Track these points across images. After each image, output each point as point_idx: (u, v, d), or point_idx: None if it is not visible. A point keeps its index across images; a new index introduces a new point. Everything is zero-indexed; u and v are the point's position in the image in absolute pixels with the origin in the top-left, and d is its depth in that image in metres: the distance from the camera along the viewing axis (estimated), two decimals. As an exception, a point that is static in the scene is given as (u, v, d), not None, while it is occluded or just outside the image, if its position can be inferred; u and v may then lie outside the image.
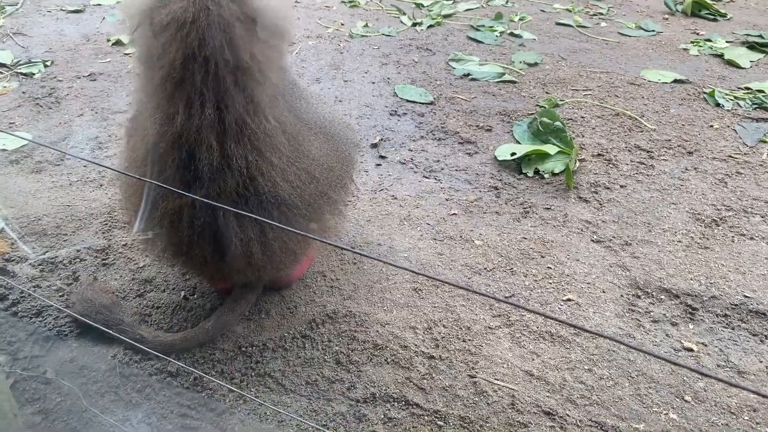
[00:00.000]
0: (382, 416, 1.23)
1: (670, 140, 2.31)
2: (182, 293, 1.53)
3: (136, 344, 1.29)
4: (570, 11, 3.87)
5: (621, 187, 2.03)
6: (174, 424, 1.21)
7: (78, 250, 1.66)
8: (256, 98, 1.18)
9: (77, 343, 1.39)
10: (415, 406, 1.25)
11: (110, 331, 1.32)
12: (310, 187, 1.30)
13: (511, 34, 3.41)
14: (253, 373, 1.32)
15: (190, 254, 1.27)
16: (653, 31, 3.51)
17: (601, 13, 3.84)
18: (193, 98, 1.15)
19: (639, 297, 1.57)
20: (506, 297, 1.55)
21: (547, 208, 1.91)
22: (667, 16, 3.86)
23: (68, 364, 1.34)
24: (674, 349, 1.41)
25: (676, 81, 2.82)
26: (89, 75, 2.81)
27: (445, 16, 3.68)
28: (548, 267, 1.66)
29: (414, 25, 3.53)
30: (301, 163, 1.28)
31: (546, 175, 2.08)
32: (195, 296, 1.53)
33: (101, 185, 1.98)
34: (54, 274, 1.59)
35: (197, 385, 1.29)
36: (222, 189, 1.20)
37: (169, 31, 1.15)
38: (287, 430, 1.21)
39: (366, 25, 3.51)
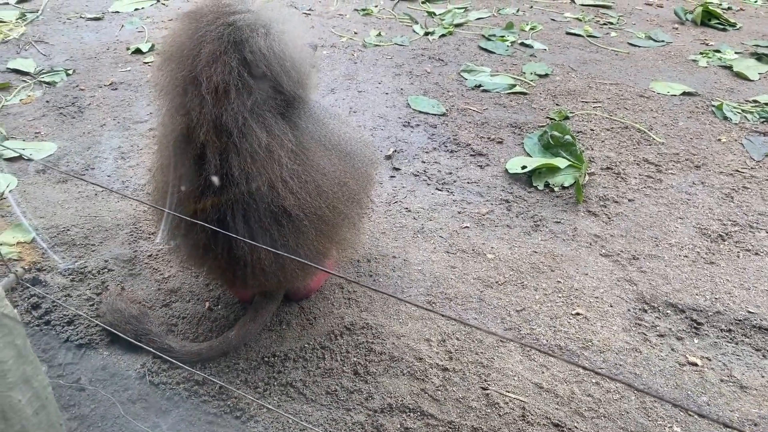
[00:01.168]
0: (399, 426, 1.29)
1: (678, 154, 2.36)
2: (207, 304, 1.60)
3: (164, 354, 1.36)
4: (580, 20, 3.91)
5: (629, 200, 2.08)
6: (201, 431, 1.28)
7: (106, 261, 1.73)
8: (240, 117, 1.21)
9: (108, 351, 1.47)
10: (430, 417, 1.31)
11: (139, 342, 1.39)
12: (318, 200, 1.35)
13: (522, 44, 3.45)
14: (275, 383, 1.39)
15: (207, 262, 1.34)
16: (663, 41, 3.55)
17: (611, 23, 3.88)
18: (190, 114, 1.21)
19: (646, 311, 1.62)
20: (517, 310, 1.61)
21: (557, 222, 1.97)
22: (677, 25, 3.89)
23: (100, 371, 1.41)
24: (679, 364, 1.47)
25: (684, 93, 2.86)
26: (110, 84, 2.88)
27: (457, 26, 3.73)
28: (558, 281, 1.72)
29: (426, 34, 3.59)
30: (306, 176, 1.32)
31: (556, 189, 2.13)
32: (219, 307, 1.60)
33: (126, 195, 2.05)
34: (83, 283, 1.66)
35: (222, 394, 1.36)
36: (228, 197, 1.25)
37: (176, 49, 1.24)
38: (309, 438, 1.28)
39: (379, 34, 3.57)
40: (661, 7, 4.28)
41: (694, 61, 3.28)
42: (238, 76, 1.17)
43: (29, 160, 2.22)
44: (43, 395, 0.94)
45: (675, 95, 2.85)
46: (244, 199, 1.24)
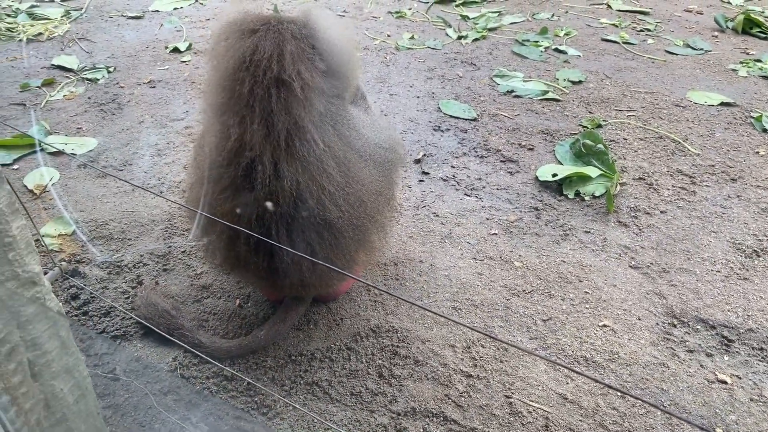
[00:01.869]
0: (422, 430, 1.31)
1: (713, 166, 2.32)
2: (237, 301, 1.64)
3: (195, 349, 1.40)
4: (617, 26, 3.86)
5: (661, 212, 2.05)
6: (230, 425, 1.32)
7: (141, 255, 1.79)
8: (299, 120, 1.24)
9: (141, 343, 1.51)
10: (452, 423, 1.32)
11: (171, 336, 1.43)
12: (359, 212, 1.38)
13: (556, 49, 3.43)
14: (301, 381, 1.42)
15: (246, 268, 1.37)
16: (701, 49, 3.48)
17: (649, 30, 3.82)
18: (243, 111, 1.23)
19: (675, 326, 1.60)
20: (543, 320, 1.60)
21: (587, 232, 1.96)
22: (716, 33, 3.81)
23: (134, 363, 1.46)
24: (708, 381, 1.45)
25: (722, 104, 2.80)
26: (149, 82, 2.96)
27: (491, 30, 3.72)
28: (585, 291, 1.71)
29: (459, 38, 3.59)
30: (350, 188, 1.35)
31: (586, 198, 2.12)
32: (249, 304, 1.64)
33: (162, 191, 2.11)
34: (120, 276, 1.71)
35: (250, 390, 1.39)
36: (274, 208, 1.28)
37: (232, 38, 1.26)
38: (333, 438, 1.30)
39: (412, 38, 3.59)
40: (701, 14, 4.20)
41: (733, 70, 3.21)
42: (317, 75, 1.21)
43: (72, 155, 2.30)
44: (83, 385, 0.98)
45: (712, 105, 2.80)
46: (290, 212, 1.27)
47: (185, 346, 1.41)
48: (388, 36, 3.63)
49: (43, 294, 0.86)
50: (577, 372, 0.65)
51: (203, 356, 1.43)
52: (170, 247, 1.83)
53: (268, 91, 1.21)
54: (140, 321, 1.53)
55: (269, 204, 1.25)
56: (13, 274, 0.80)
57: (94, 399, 1.03)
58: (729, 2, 4.47)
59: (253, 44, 1.23)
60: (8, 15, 3.68)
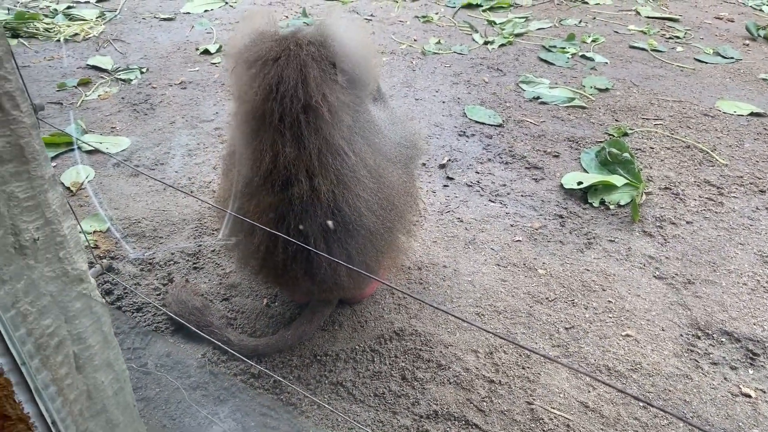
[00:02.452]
0: (444, 433, 1.33)
1: (741, 177, 2.30)
2: (264, 300, 1.68)
3: (223, 346, 1.45)
4: (645, 33, 3.83)
5: (687, 223, 2.04)
6: (256, 422, 1.35)
7: (172, 253, 1.84)
8: (330, 138, 1.27)
9: (172, 339, 1.56)
10: (474, 427, 1.34)
11: (201, 332, 1.48)
12: (391, 214, 1.41)
13: (583, 56, 3.42)
14: (326, 381, 1.45)
15: (281, 275, 1.41)
16: (732, 58, 3.44)
17: (678, 37, 3.78)
18: (274, 135, 1.27)
19: (699, 338, 1.60)
20: (566, 328, 1.61)
21: (611, 241, 1.96)
22: (747, 41, 3.76)
23: (165, 357, 1.51)
24: (731, 394, 1.44)
25: (752, 114, 2.77)
26: (180, 83, 3.03)
27: (517, 35, 3.73)
28: (609, 301, 1.71)
29: (486, 43, 3.60)
30: (382, 192, 1.39)
31: (611, 207, 2.12)
32: (276, 304, 1.67)
33: (192, 191, 2.16)
34: (151, 273, 1.77)
35: (276, 388, 1.43)
36: (313, 220, 1.31)
37: (255, 67, 1.29)
38: (356, 437, 1.33)
39: (438, 42, 3.61)
40: (732, 21, 4.14)
41: (764, 80, 3.17)
42: (341, 93, 1.24)
43: (109, 155, 2.37)
44: (121, 378, 1.02)
45: (742, 115, 2.77)
46: (327, 216, 1.30)
47: (215, 341, 1.45)
48: (415, 40, 3.66)
49: (89, 290, 0.90)
50: (600, 381, 0.67)
51: (232, 352, 1.47)
52: (200, 246, 1.88)
53: (297, 118, 1.24)
54: (171, 317, 1.58)
55: (330, 223, 1.29)
56: (63, 271, 0.84)
57: (130, 391, 1.08)
58: (761, 10, 4.40)
59: (277, 74, 1.25)
60: (46, 15, 3.79)
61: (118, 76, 3.05)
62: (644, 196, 2.17)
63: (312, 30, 1.29)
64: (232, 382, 1.45)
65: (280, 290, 1.69)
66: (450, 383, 1.44)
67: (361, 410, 1.38)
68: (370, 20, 4.01)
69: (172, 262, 1.81)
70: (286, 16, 4.04)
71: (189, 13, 4.09)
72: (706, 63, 3.39)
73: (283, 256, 1.35)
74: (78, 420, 0.92)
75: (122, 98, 2.84)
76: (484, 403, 1.40)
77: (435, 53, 3.45)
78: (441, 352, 1.52)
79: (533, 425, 1.35)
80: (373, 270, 1.48)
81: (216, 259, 1.83)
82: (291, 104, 1.24)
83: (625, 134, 2.58)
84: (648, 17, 4.15)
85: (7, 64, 0.69)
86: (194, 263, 1.81)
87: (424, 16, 4.06)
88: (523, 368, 1.49)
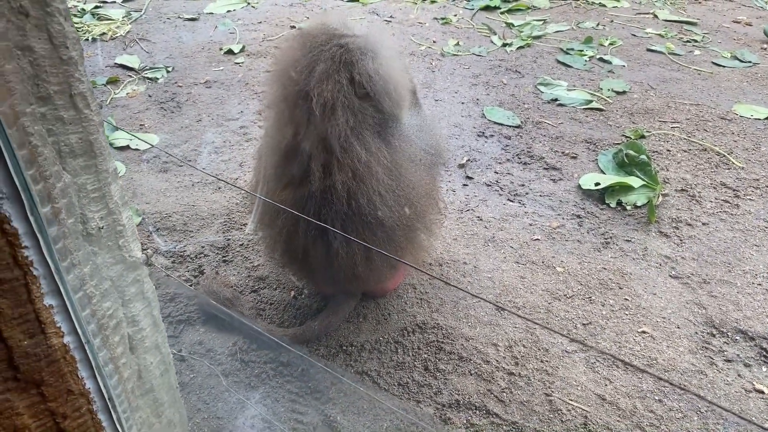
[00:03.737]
0: (465, 421, 1.39)
1: (758, 180, 2.33)
2: (292, 293, 1.74)
3: (253, 335, 1.51)
4: (662, 36, 3.85)
5: (703, 224, 2.08)
6: (285, 408, 1.42)
7: (202, 247, 1.91)
8: (342, 133, 1.32)
9: (204, 328, 1.63)
10: (494, 416, 1.40)
11: (231, 322, 1.55)
12: (409, 211, 1.47)
13: (601, 59, 3.45)
14: (351, 370, 1.51)
15: (303, 262, 1.48)
16: (749, 62, 3.45)
17: (695, 40, 3.80)
18: (299, 127, 1.34)
19: (714, 336, 1.64)
20: (584, 324, 1.66)
21: (628, 240, 2.00)
22: (765, 45, 3.77)
23: (197, 346, 1.58)
24: (745, 390, 1.49)
25: (770, 117, 2.79)
26: (205, 82, 3.11)
27: (535, 38, 3.77)
28: (625, 298, 1.76)
29: (504, 45, 3.64)
30: (400, 190, 1.44)
31: (628, 207, 2.16)
32: (302, 296, 1.74)
33: (219, 188, 2.23)
34: (183, 266, 1.84)
35: (304, 376, 1.50)
36: (329, 208, 1.37)
37: (289, 65, 1.36)
38: (381, 424, 1.39)
39: (457, 44, 3.66)
40: (750, 25, 4.15)
41: (782, 84, 3.18)
42: (345, 96, 1.29)
43: (141, 150, 2.45)
44: (167, 360, 1.09)
45: (759, 119, 2.79)
46: (344, 210, 1.36)
47: (245, 330, 1.52)
48: (434, 42, 3.71)
49: (142, 277, 0.97)
50: (622, 361, 0.72)
51: (261, 341, 1.53)
52: (229, 240, 1.95)
53: (298, 101, 1.32)
54: (202, 307, 1.65)
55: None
56: (121, 258, 0.91)
57: (173, 374, 1.15)
58: (780, 13, 4.40)
59: (310, 64, 1.32)
60: (75, 15, 3.89)
61: (145, 75, 3.14)
62: (661, 198, 2.21)
63: (357, 40, 1.33)
64: (262, 369, 1.51)
65: (305, 281, 1.75)
66: (471, 374, 1.50)
67: (385, 398, 1.44)
68: (390, 21, 4.07)
69: (202, 255, 1.88)
70: (307, 18, 4.11)
71: (212, 13, 4.18)
72: (724, 67, 3.41)
73: (304, 241, 1.41)
74: (130, 397, 0.98)
75: (149, 96, 2.93)
76: (504, 394, 1.45)
77: (454, 55, 3.51)
78: (462, 344, 1.58)
79: (552, 416, 1.40)
80: (393, 264, 1.54)
81: (244, 253, 1.90)
82: (316, 99, 1.30)
83: (642, 136, 2.62)
84: (665, 20, 4.17)
85: (80, 67, 0.76)
86: (223, 256, 1.89)
87: (442, 18, 4.12)
88: (542, 362, 1.54)
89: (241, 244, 1.93)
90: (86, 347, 0.87)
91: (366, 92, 1.33)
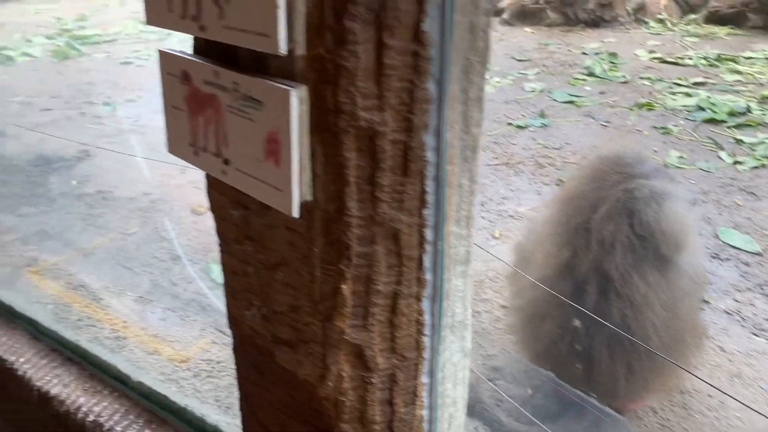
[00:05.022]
0: None
1: None
2: (529, 390, 1.80)
3: (493, 425, 1.58)
4: None
5: None
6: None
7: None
8: (620, 266, 1.40)
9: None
10: None
11: (474, 408, 1.64)
12: (678, 345, 1.48)
13: None
14: (593, 485, 1.50)
15: (562, 367, 1.54)
16: None
17: None
18: (577, 250, 1.44)
19: None
20: None
21: None
22: None
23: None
24: None
25: None
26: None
27: (771, 158, 3.55)
28: None
29: (735, 163, 3.48)
30: (672, 324, 1.46)
31: None
32: (539, 395, 1.78)
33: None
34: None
35: (544, 479, 1.52)
36: (598, 326, 1.43)
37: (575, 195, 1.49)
38: None
39: (681, 157, 3.57)
40: None
41: None
42: (625, 237, 1.39)
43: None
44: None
45: None
46: (611, 332, 1.42)
47: (485, 417, 1.60)
48: (655, 151, 3.66)
49: (466, 364, 1.11)
50: None
51: (499, 430, 1.60)
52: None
53: (579, 230, 1.42)
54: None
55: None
56: (461, 347, 1.06)
57: None
58: None
59: (597, 201, 1.44)
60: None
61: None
62: None
63: (644, 188, 1.42)
64: (501, 461, 1.57)
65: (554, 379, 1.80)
66: None
67: None
68: (606, 126, 4.12)
69: (439, 334, 2.02)
70: (523, 115, 4.32)
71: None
72: None
73: (567, 348, 1.48)
74: None
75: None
76: None
77: (678, 167, 3.43)
78: (715, 487, 1.49)
79: None
80: (648, 386, 1.54)
81: (478, 340, 2.01)
82: (576, 217, 1.42)
83: None
84: None
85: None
86: (459, 339, 2.01)
87: (662, 128, 4.06)
88: None
89: (476, 332, 2.05)
90: (431, 421, 1.01)
91: (647, 237, 1.41)
